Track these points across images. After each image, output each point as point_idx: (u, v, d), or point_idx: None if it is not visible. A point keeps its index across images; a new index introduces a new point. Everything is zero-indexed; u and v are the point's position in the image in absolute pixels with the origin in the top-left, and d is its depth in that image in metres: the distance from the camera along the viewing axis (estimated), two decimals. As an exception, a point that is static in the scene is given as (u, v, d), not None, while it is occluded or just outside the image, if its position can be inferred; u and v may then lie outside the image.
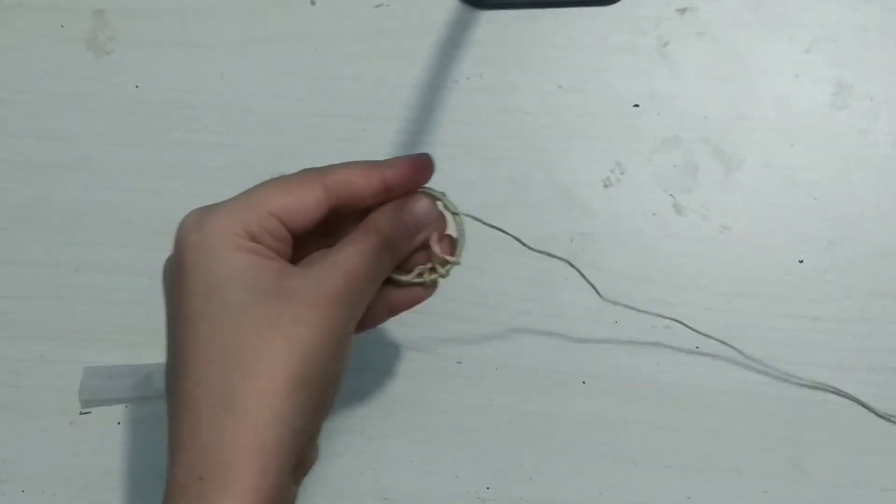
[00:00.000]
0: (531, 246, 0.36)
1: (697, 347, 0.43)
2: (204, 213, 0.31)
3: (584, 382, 0.43)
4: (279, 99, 0.46)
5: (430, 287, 0.34)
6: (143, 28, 0.47)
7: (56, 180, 0.46)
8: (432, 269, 0.34)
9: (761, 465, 0.42)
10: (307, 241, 0.33)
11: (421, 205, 0.32)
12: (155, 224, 0.46)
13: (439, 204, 0.33)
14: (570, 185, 0.45)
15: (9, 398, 0.45)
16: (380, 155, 0.45)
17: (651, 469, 0.42)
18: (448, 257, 0.33)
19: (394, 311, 0.34)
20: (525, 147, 0.45)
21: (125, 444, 0.44)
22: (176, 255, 0.31)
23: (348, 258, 0.31)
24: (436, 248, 0.33)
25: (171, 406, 0.30)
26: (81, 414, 0.44)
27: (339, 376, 0.31)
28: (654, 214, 0.44)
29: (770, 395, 0.42)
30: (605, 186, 0.45)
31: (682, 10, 0.46)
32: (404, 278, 0.34)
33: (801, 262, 0.43)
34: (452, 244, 0.34)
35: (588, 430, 0.43)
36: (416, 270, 0.34)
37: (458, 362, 0.44)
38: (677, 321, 0.40)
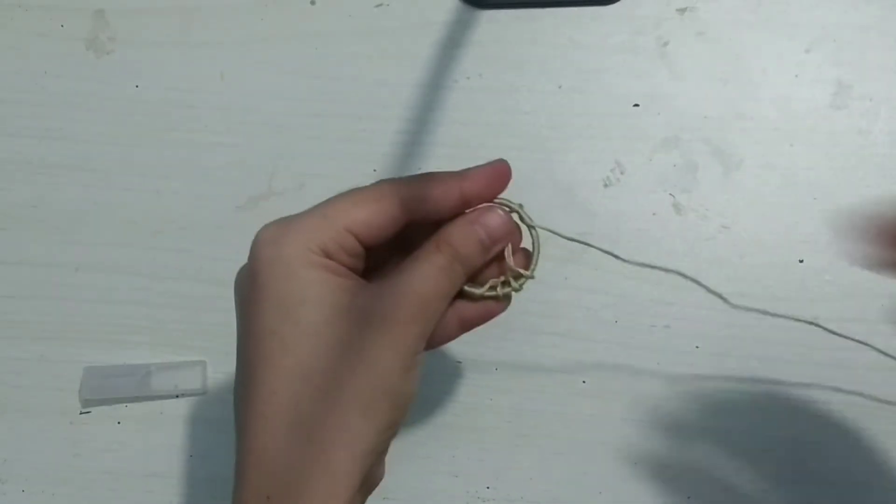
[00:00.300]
0: (628, 259, 0.35)
1: (697, 347, 0.43)
2: (279, 228, 0.30)
3: (584, 382, 0.43)
4: (279, 99, 0.46)
5: (504, 301, 0.33)
6: (144, 28, 0.47)
7: (56, 180, 0.46)
8: (505, 283, 0.33)
9: (762, 464, 0.42)
10: (379, 250, 0.32)
11: (495, 219, 0.31)
12: (155, 224, 0.46)
13: (514, 216, 0.32)
14: (570, 184, 0.45)
15: (9, 398, 0.45)
16: (380, 155, 0.45)
17: (651, 469, 0.42)
18: (522, 271, 0.32)
19: (466, 325, 0.33)
20: (525, 147, 0.45)
21: (125, 444, 0.44)
22: (250, 269, 0.31)
23: (421, 276, 0.30)
24: (510, 261, 0.32)
25: (239, 422, 0.30)
26: (81, 413, 0.44)
27: (409, 396, 0.30)
28: (654, 214, 0.44)
29: (771, 395, 0.42)
30: (605, 186, 0.45)
31: (682, 10, 0.46)
32: (477, 291, 0.32)
33: (801, 262, 0.43)
34: (527, 257, 0.33)
35: (588, 429, 0.43)
36: (489, 283, 0.32)
37: (459, 362, 0.44)
38: (816, 325, 0.39)
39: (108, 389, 0.44)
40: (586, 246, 0.35)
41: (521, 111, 0.45)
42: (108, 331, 0.45)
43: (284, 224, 0.30)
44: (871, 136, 0.44)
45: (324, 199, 0.46)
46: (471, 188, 0.31)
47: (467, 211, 0.32)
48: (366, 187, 0.31)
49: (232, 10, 0.47)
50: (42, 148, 0.46)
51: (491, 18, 0.46)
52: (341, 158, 0.46)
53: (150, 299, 0.45)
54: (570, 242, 0.45)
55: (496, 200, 0.32)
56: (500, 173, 0.32)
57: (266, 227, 0.31)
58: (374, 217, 0.30)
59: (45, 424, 0.44)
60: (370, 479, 0.31)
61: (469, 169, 0.32)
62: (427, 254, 0.31)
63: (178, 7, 0.47)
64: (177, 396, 0.44)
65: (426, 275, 0.30)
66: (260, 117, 0.46)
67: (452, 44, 0.46)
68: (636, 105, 0.45)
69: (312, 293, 0.29)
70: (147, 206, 0.46)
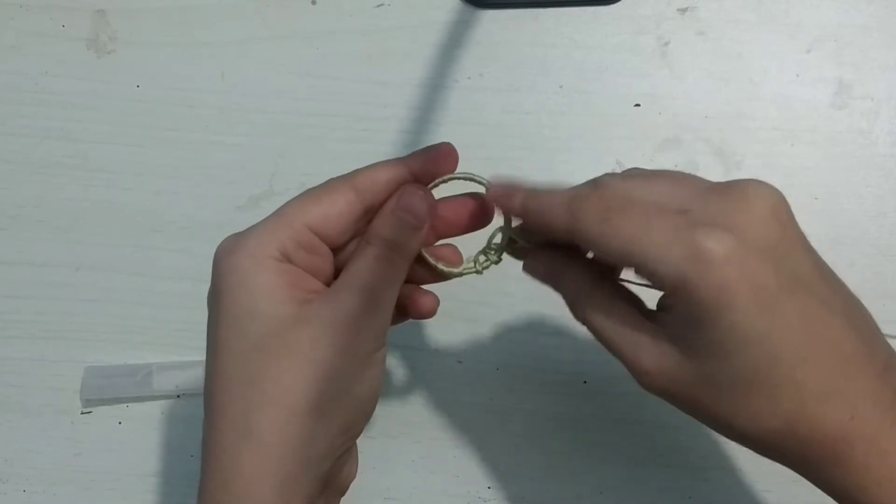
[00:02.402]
0: None
1: (698, 347, 0.43)
2: (236, 237, 0.31)
3: (585, 382, 0.43)
4: (280, 99, 0.46)
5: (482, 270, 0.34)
6: (144, 28, 0.47)
7: (56, 180, 0.46)
8: (486, 257, 0.34)
9: (763, 464, 0.42)
10: (352, 246, 0.33)
11: (412, 199, 0.31)
12: (155, 223, 0.46)
13: (474, 184, 0.33)
14: (572, 185, 0.45)
15: (9, 398, 0.45)
16: (381, 155, 0.45)
17: (652, 469, 0.42)
18: (494, 250, 0.33)
19: (442, 232, 0.33)
20: (526, 147, 0.45)
21: (126, 444, 0.44)
22: (212, 281, 0.31)
23: (360, 270, 0.30)
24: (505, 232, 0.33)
25: (203, 434, 0.31)
26: (82, 413, 0.44)
27: (366, 395, 0.31)
28: (654, 214, 0.44)
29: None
30: (606, 186, 0.45)
31: (683, 10, 0.46)
32: (455, 270, 0.33)
33: (801, 261, 0.43)
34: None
35: (589, 429, 0.43)
36: (466, 260, 0.34)
37: (459, 362, 0.44)
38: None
39: (109, 389, 0.44)
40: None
41: (522, 111, 0.45)
42: (109, 331, 0.45)
43: (241, 233, 0.31)
44: (872, 135, 0.44)
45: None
46: (416, 164, 0.32)
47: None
48: (317, 185, 0.32)
49: (232, 10, 0.47)
50: (42, 148, 0.46)
51: (492, 18, 0.46)
52: (342, 158, 0.45)
53: (150, 299, 0.45)
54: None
55: (455, 174, 0.33)
56: (443, 152, 0.32)
57: (226, 238, 0.31)
58: (330, 209, 0.31)
59: (47, 424, 0.44)
60: (335, 481, 0.32)
61: (416, 150, 0.33)
62: (360, 249, 0.31)
63: (178, 7, 0.47)
64: (178, 396, 0.44)
65: (366, 268, 0.30)
66: (260, 117, 0.46)
67: (453, 43, 0.46)
68: (637, 105, 0.45)
69: (262, 305, 0.30)
70: (147, 206, 0.46)
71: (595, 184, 0.30)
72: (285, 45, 0.47)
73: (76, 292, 0.45)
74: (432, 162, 0.32)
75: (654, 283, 0.27)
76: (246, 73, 0.46)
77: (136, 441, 0.44)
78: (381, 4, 0.47)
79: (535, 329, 0.44)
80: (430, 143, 0.45)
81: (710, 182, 0.29)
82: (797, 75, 0.45)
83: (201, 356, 0.44)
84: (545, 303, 0.44)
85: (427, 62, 0.46)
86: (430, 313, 0.34)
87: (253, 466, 0.29)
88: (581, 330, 0.44)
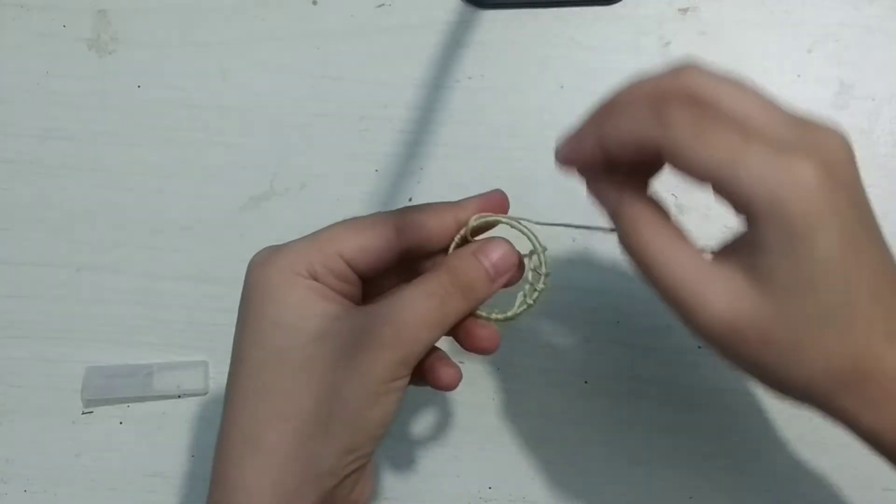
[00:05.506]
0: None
1: (700, 348, 0.43)
2: (270, 251, 0.31)
3: (585, 382, 0.43)
4: (280, 99, 0.46)
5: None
6: (145, 28, 0.47)
7: (57, 180, 0.46)
8: (532, 289, 0.32)
9: (763, 464, 0.42)
10: (385, 278, 0.33)
11: (499, 250, 0.31)
12: (155, 223, 0.46)
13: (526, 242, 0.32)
14: (572, 185, 0.45)
15: (10, 398, 0.45)
16: (381, 155, 0.45)
17: (652, 469, 0.42)
18: (538, 283, 0.32)
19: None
20: (527, 147, 0.45)
21: (127, 444, 0.44)
22: (242, 291, 0.31)
23: (405, 301, 0.30)
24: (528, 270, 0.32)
25: (216, 440, 0.31)
26: (83, 414, 0.44)
27: (377, 421, 0.30)
28: (655, 214, 0.44)
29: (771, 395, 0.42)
30: (607, 186, 0.45)
31: (684, 10, 0.46)
32: (509, 313, 0.32)
33: (802, 262, 0.43)
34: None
35: (590, 429, 0.43)
36: (518, 301, 0.33)
37: (460, 362, 0.44)
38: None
39: (110, 389, 0.44)
40: (576, 237, 0.34)
41: (523, 111, 0.45)
42: (110, 331, 0.45)
43: (276, 248, 0.31)
44: (873, 135, 0.44)
45: (325, 198, 0.46)
46: (465, 215, 0.32)
47: (476, 238, 0.32)
48: (362, 216, 0.32)
49: (233, 10, 0.47)
50: (44, 148, 0.46)
51: (493, 18, 0.46)
52: (343, 158, 0.46)
53: (151, 299, 0.45)
54: (573, 243, 0.45)
55: (500, 218, 0.32)
56: (494, 203, 0.32)
57: (260, 250, 0.32)
58: (368, 242, 0.31)
59: (47, 424, 0.44)
60: (344, 500, 0.31)
61: (465, 199, 0.32)
62: (422, 280, 0.30)
63: (179, 7, 0.47)
64: (179, 396, 0.44)
65: (413, 300, 0.30)
66: (261, 117, 0.46)
67: (454, 44, 0.46)
68: (638, 105, 0.45)
69: (288, 317, 0.30)
70: (148, 206, 0.46)
71: (677, 76, 0.29)
72: (285, 45, 0.47)
73: (77, 292, 0.45)
74: (485, 209, 0.32)
75: (740, 204, 0.26)
76: (247, 73, 0.46)
77: (137, 441, 0.44)
78: (382, 4, 0.47)
79: (535, 329, 0.44)
80: (431, 144, 0.45)
81: (789, 112, 0.28)
82: (798, 75, 0.45)
83: (202, 356, 0.45)
84: (545, 302, 0.44)
85: (428, 62, 0.46)
86: (452, 386, 0.32)
87: (255, 477, 0.29)
88: (580, 329, 0.44)
